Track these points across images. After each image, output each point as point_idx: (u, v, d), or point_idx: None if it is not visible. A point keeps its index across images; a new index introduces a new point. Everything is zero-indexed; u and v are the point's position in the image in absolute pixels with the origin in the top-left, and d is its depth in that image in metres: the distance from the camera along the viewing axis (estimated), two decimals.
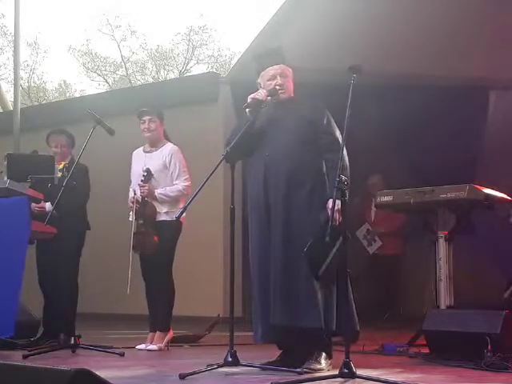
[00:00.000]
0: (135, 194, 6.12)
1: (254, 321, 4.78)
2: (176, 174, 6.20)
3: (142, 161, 6.28)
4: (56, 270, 6.23)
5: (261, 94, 4.77)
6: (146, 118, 6.28)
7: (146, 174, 6.10)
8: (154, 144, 6.31)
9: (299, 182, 4.67)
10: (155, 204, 6.11)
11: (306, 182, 4.68)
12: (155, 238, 6.02)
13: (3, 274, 5.32)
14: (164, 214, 6.12)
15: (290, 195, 4.67)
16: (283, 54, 4.99)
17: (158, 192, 6.11)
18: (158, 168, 6.18)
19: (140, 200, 6.08)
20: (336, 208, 4.35)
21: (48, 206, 6.24)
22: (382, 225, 8.68)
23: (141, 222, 6.07)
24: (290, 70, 4.92)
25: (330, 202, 4.41)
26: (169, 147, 6.27)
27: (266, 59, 4.94)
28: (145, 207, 6.07)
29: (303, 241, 4.46)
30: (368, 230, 8.78)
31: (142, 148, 6.41)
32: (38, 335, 6.38)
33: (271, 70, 4.86)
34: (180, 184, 6.17)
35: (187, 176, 6.21)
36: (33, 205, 6.26)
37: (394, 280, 8.86)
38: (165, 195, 6.13)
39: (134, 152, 6.46)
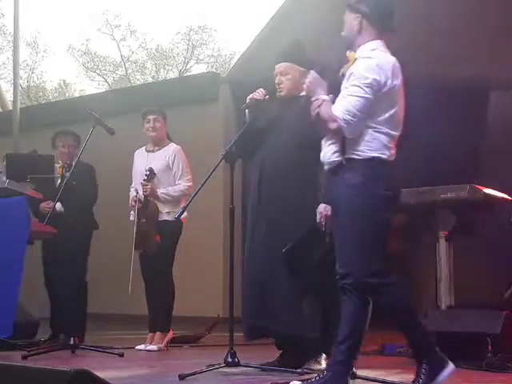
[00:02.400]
0: (137, 193, 6.11)
1: (242, 320, 4.79)
2: (179, 174, 6.20)
3: (144, 160, 6.28)
4: (64, 271, 6.17)
5: (259, 93, 4.76)
6: (151, 117, 6.29)
7: (148, 173, 6.09)
8: (158, 143, 6.31)
9: (291, 184, 4.65)
10: (157, 203, 6.11)
11: (297, 184, 4.66)
12: (157, 238, 6.02)
13: (2, 274, 5.31)
14: (166, 213, 6.11)
15: (280, 197, 4.66)
16: (292, 51, 4.91)
17: (160, 192, 6.11)
18: (161, 168, 6.18)
19: (142, 199, 6.07)
20: (324, 213, 4.34)
21: (58, 206, 6.22)
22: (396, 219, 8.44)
23: (143, 221, 6.06)
24: (296, 67, 4.82)
25: (321, 206, 4.41)
26: (172, 147, 6.28)
27: (276, 57, 4.93)
28: (147, 206, 6.07)
29: (286, 242, 4.47)
30: None
31: (144, 148, 6.42)
32: (43, 337, 6.37)
33: (276, 69, 4.87)
34: (182, 184, 6.17)
35: (189, 176, 6.22)
36: (42, 205, 6.28)
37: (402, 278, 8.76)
38: (167, 195, 6.13)
39: (136, 152, 6.46)
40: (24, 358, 5.18)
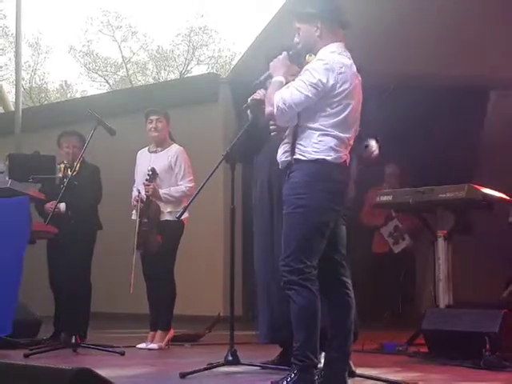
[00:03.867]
0: (139, 193, 6.14)
1: (258, 321, 4.83)
2: (181, 174, 6.23)
3: (147, 161, 6.31)
4: (70, 270, 6.18)
5: (259, 93, 4.76)
6: (154, 117, 6.31)
7: (151, 173, 6.11)
8: (160, 144, 6.34)
9: None
10: (159, 203, 6.14)
11: None
12: (158, 238, 6.05)
13: (2, 273, 5.34)
14: (168, 213, 6.14)
15: None
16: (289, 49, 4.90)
17: (162, 192, 6.14)
18: (163, 168, 6.21)
19: (144, 199, 6.10)
20: None
21: (62, 206, 6.23)
22: (410, 220, 8.16)
23: (145, 220, 6.09)
24: (294, 67, 4.80)
25: None
26: (175, 148, 6.31)
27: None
28: (149, 206, 6.09)
29: None
30: (396, 226, 8.31)
31: (146, 148, 6.44)
32: (46, 336, 6.39)
33: None
34: (184, 185, 6.20)
35: (191, 177, 6.25)
36: (47, 206, 6.30)
37: (408, 277, 8.61)
38: (169, 195, 6.16)
39: (139, 152, 6.49)
40: (26, 356, 5.21)
